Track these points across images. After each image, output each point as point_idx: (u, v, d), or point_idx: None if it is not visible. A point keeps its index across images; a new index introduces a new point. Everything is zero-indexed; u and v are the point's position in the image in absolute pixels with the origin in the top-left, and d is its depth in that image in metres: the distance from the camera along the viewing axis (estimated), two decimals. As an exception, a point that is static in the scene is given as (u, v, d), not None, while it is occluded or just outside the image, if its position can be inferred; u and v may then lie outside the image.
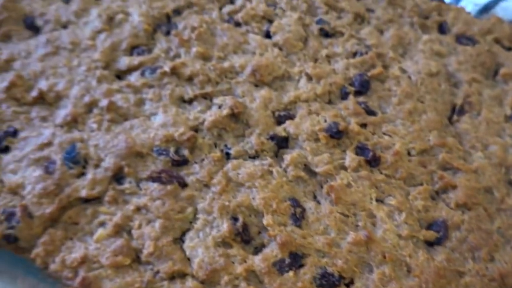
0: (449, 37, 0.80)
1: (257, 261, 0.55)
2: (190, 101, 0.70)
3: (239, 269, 0.54)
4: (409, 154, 0.65)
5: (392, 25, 0.81)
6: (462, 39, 0.80)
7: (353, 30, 0.80)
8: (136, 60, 0.73)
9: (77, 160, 0.62)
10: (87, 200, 0.60)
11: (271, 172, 0.62)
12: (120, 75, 0.73)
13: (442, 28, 0.82)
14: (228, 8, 0.82)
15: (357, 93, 0.72)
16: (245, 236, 0.57)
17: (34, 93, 0.68)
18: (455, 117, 0.71)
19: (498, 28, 0.82)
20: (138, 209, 0.59)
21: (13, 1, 0.80)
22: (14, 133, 0.65)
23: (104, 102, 0.67)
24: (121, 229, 0.57)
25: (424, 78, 0.73)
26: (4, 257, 0.59)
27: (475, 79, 0.74)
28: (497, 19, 0.84)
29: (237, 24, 0.80)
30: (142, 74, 0.71)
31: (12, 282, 0.58)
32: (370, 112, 0.69)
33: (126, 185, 0.61)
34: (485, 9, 0.94)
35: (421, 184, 0.63)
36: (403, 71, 0.75)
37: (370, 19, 0.82)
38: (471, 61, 0.76)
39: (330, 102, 0.71)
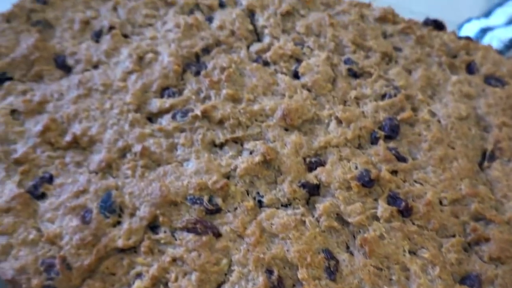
0: (478, 78, 0.81)
1: (293, 317, 0.56)
2: (221, 146, 0.71)
3: (275, 325, 0.55)
4: (441, 203, 0.66)
5: (420, 64, 0.81)
6: (491, 80, 0.80)
7: (381, 70, 0.80)
8: (167, 102, 0.74)
9: (113, 209, 0.63)
10: (123, 250, 0.61)
11: (304, 222, 0.63)
12: (151, 118, 0.74)
13: (470, 68, 0.82)
14: (256, 47, 0.83)
15: (387, 138, 0.72)
16: (280, 289, 0.58)
17: (68, 138, 0.70)
18: (485, 164, 0.71)
19: (527, 68, 0.82)
20: (174, 260, 0.60)
21: (44, 40, 0.81)
22: (50, 179, 0.66)
23: (137, 148, 0.69)
24: (158, 281, 0.59)
25: (454, 122, 0.73)
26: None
27: (505, 123, 0.74)
28: (526, 58, 0.84)
29: (266, 63, 0.81)
30: (174, 117, 0.72)
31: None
32: (400, 159, 0.70)
33: (161, 235, 0.62)
34: (510, 45, 0.94)
35: (454, 236, 0.63)
36: (433, 114, 0.75)
37: (398, 58, 0.82)
38: (500, 104, 0.76)
39: (360, 147, 0.72)
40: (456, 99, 0.76)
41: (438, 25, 0.87)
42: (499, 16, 0.99)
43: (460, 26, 1.03)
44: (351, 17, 0.86)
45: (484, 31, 0.98)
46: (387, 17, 0.87)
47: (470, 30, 1.00)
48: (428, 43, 0.84)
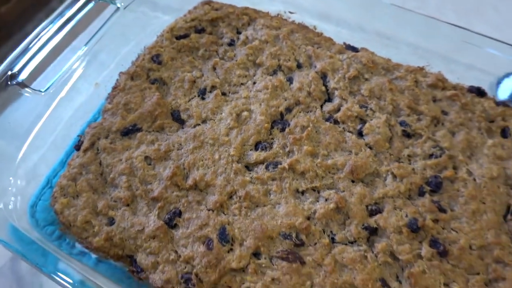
0: (510, 142, 1.03)
1: (358, 326, 0.83)
2: (303, 193, 0.97)
3: (346, 331, 0.83)
4: (470, 248, 0.91)
5: (463, 128, 1.04)
6: (521, 144, 1.02)
7: (430, 131, 1.04)
8: (261, 155, 1.00)
9: (228, 240, 0.91)
10: (236, 270, 0.90)
11: (366, 257, 0.90)
12: (248, 166, 1.01)
13: (504, 133, 1.04)
14: (328, 107, 1.08)
15: (432, 192, 0.97)
16: (348, 306, 0.86)
17: (190, 182, 0.98)
18: (509, 217, 0.95)
19: (553, 134, 1.03)
20: (273, 279, 0.88)
21: (162, 98, 1.09)
22: (180, 214, 0.95)
23: (241, 192, 0.96)
24: (262, 295, 0.87)
25: (486, 181, 0.97)
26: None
27: (528, 183, 0.97)
28: (554, 123, 1.05)
29: (336, 122, 1.06)
30: (267, 167, 0.99)
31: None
32: (441, 210, 0.94)
33: (263, 260, 0.90)
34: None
35: (478, 274, 0.88)
36: (470, 173, 0.99)
37: (444, 121, 1.06)
38: (526, 166, 0.99)
39: (410, 198, 0.97)
40: (490, 161, 1.00)
41: (480, 92, 1.09)
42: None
43: (500, 80, 1.23)
44: (407, 83, 1.09)
45: (521, 88, 1.18)
46: (438, 84, 1.09)
47: (509, 85, 1.20)
48: (470, 109, 1.06)
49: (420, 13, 1.25)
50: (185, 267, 0.90)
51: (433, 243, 0.91)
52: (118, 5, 1.30)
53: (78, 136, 1.07)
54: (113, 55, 1.30)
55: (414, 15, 1.26)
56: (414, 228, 0.91)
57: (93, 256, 1.00)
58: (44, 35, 1.19)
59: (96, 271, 0.99)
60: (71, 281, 0.92)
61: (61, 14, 1.20)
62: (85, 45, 1.22)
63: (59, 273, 0.93)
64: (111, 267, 0.99)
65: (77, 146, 1.05)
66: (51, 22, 1.19)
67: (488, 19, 1.46)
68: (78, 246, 1.01)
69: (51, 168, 1.12)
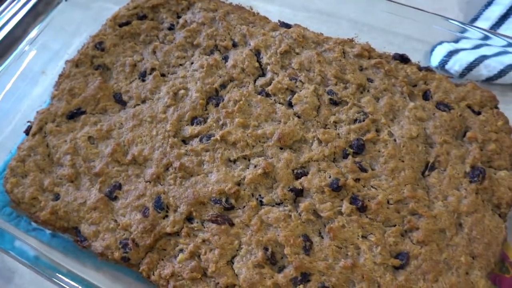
0: (431, 104, 1.09)
1: (280, 278, 0.91)
2: (234, 161, 1.05)
3: (268, 282, 0.91)
4: (388, 202, 0.98)
5: (386, 93, 1.11)
6: (441, 105, 1.09)
7: (355, 99, 1.10)
8: (196, 129, 1.08)
9: (163, 207, 0.99)
10: (170, 234, 0.98)
11: (290, 216, 0.97)
12: (185, 140, 1.09)
13: (426, 96, 1.11)
14: (260, 81, 1.15)
15: (355, 154, 1.04)
16: (272, 260, 0.93)
17: (129, 157, 1.06)
18: (427, 172, 1.02)
19: (471, 95, 1.10)
20: (203, 241, 0.96)
21: (105, 82, 1.17)
22: (119, 187, 1.03)
23: (176, 164, 1.04)
24: (194, 255, 0.95)
25: (405, 141, 1.04)
26: (122, 270, 0.98)
27: (446, 141, 1.04)
28: (473, 86, 1.11)
29: (267, 95, 1.13)
30: (201, 140, 1.07)
31: (127, 286, 0.98)
32: (362, 169, 1.01)
33: (195, 224, 0.98)
34: (469, 68, 1.21)
35: (394, 226, 0.96)
36: (391, 134, 1.06)
37: (369, 88, 1.12)
38: (445, 126, 1.05)
39: (334, 160, 1.04)
40: (410, 122, 1.06)
41: (404, 59, 1.16)
42: (466, 42, 1.25)
43: (433, 48, 1.29)
44: (335, 54, 1.16)
45: (451, 54, 1.24)
46: (364, 53, 1.16)
47: (440, 52, 1.27)
48: (394, 75, 1.13)
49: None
50: (124, 234, 0.98)
51: (353, 200, 0.98)
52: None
53: (28, 121, 1.15)
54: (66, 46, 1.39)
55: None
56: (335, 187, 0.98)
57: (47, 232, 1.09)
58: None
59: (51, 246, 1.08)
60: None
61: (7, 8, 1.28)
62: (35, 37, 1.31)
63: (13, 251, 1.03)
64: (64, 241, 1.08)
65: (27, 131, 1.13)
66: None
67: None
68: (34, 223, 1.10)
69: (9, 155, 1.20)
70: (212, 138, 1.06)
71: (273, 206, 0.99)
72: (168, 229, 0.97)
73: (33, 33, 1.36)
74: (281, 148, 1.05)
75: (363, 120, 1.07)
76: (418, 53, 1.31)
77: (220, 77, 1.15)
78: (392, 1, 1.31)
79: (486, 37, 1.19)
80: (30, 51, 1.34)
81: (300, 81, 1.13)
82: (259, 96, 1.12)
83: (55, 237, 1.09)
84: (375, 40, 1.29)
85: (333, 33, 1.32)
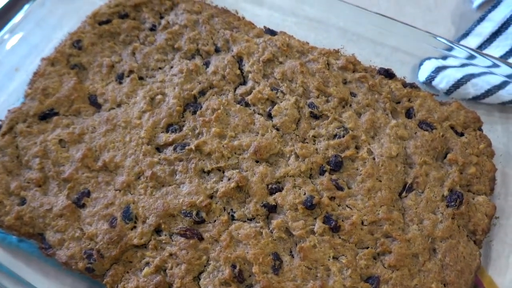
0: (413, 122, 1.07)
1: (246, 297, 0.90)
2: (208, 173, 1.03)
3: (234, 301, 0.89)
4: (362, 223, 0.96)
5: (369, 109, 1.09)
6: (423, 124, 1.07)
7: (337, 113, 1.08)
8: (170, 137, 1.05)
9: (131, 218, 0.97)
10: (137, 246, 0.96)
11: (261, 233, 0.95)
12: (159, 148, 1.06)
13: (409, 113, 1.09)
14: (241, 89, 1.12)
15: (332, 171, 1.02)
16: (240, 278, 0.91)
17: (100, 163, 1.03)
18: (404, 194, 1.00)
19: (455, 115, 1.08)
20: (170, 255, 0.94)
21: (80, 82, 1.14)
22: (88, 194, 1.01)
23: (148, 173, 1.01)
24: (160, 269, 0.93)
25: (384, 160, 1.02)
26: (87, 280, 0.97)
27: (425, 162, 1.02)
28: (458, 105, 1.09)
29: (247, 105, 1.10)
30: (175, 149, 1.04)
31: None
32: (339, 188, 0.99)
33: (163, 237, 0.96)
34: (456, 86, 1.19)
35: (367, 248, 0.94)
36: (370, 152, 1.03)
37: (352, 103, 1.10)
38: (426, 146, 1.03)
39: (311, 176, 1.02)
40: (391, 140, 1.04)
41: (389, 74, 1.13)
42: (454, 60, 1.22)
43: (422, 62, 1.27)
44: (319, 66, 1.13)
45: (438, 69, 1.22)
46: (348, 66, 1.13)
47: (428, 67, 1.24)
48: (377, 91, 1.11)
49: (350, 3, 1.29)
50: (89, 244, 0.96)
51: (327, 219, 0.96)
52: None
53: (-1, 120, 1.13)
54: (46, 40, 1.35)
55: (344, 4, 1.29)
56: (309, 205, 0.96)
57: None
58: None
59: (20, 249, 1.06)
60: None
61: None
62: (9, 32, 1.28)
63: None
64: (32, 246, 1.05)
65: (-3, 131, 1.10)
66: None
67: (418, 1, 1.49)
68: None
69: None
70: (186, 147, 1.04)
71: (245, 221, 0.97)
72: (135, 241, 0.95)
73: (17, 19, 1.33)
74: (257, 161, 1.03)
75: (343, 136, 1.05)
76: (406, 66, 1.28)
77: (200, 84, 1.13)
78: (382, 14, 1.28)
79: (472, 56, 1.17)
80: (8, 40, 1.30)
81: (282, 91, 1.11)
82: (238, 106, 1.09)
83: (23, 241, 1.06)
84: (363, 51, 1.27)
85: (321, 41, 1.30)
